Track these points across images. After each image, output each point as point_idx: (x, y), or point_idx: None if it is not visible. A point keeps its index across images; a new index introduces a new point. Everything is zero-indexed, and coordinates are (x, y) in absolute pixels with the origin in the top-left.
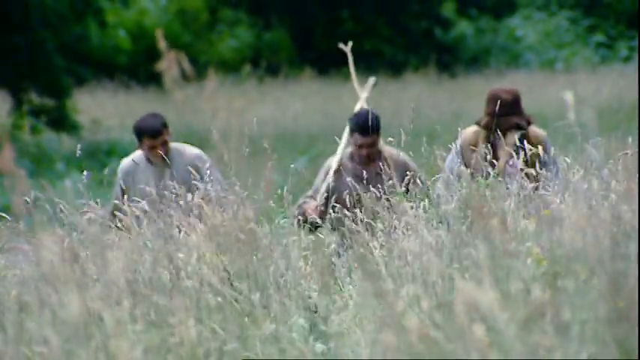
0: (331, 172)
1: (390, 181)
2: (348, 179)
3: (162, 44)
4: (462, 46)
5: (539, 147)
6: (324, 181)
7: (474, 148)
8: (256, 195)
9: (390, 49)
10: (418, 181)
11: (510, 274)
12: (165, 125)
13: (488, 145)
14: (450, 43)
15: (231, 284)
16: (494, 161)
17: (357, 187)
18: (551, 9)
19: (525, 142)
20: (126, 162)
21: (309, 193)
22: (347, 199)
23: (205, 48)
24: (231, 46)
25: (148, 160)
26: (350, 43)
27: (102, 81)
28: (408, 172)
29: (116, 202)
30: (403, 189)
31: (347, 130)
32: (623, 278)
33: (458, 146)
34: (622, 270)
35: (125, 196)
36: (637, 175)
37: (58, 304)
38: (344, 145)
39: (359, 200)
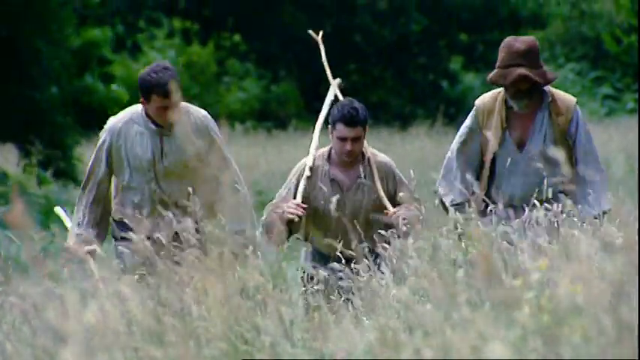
0: (306, 171)
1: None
2: (322, 186)
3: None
4: (470, 99)
5: (566, 117)
6: (298, 186)
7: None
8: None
9: (396, 101)
10: (407, 193)
11: (513, 324)
12: (177, 80)
13: (503, 113)
14: (457, 96)
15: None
16: (511, 133)
17: (335, 195)
18: (558, 61)
19: (550, 110)
20: (117, 120)
21: (276, 200)
22: (323, 210)
23: (213, 100)
24: (239, 98)
25: (150, 120)
26: (321, 33)
27: None
28: (392, 180)
29: (97, 185)
30: (385, 199)
31: (317, 126)
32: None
33: (472, 114)
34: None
35: (111, 170)
36: (636, 226)
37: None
38: (315, 144)
39: (339, 210)
